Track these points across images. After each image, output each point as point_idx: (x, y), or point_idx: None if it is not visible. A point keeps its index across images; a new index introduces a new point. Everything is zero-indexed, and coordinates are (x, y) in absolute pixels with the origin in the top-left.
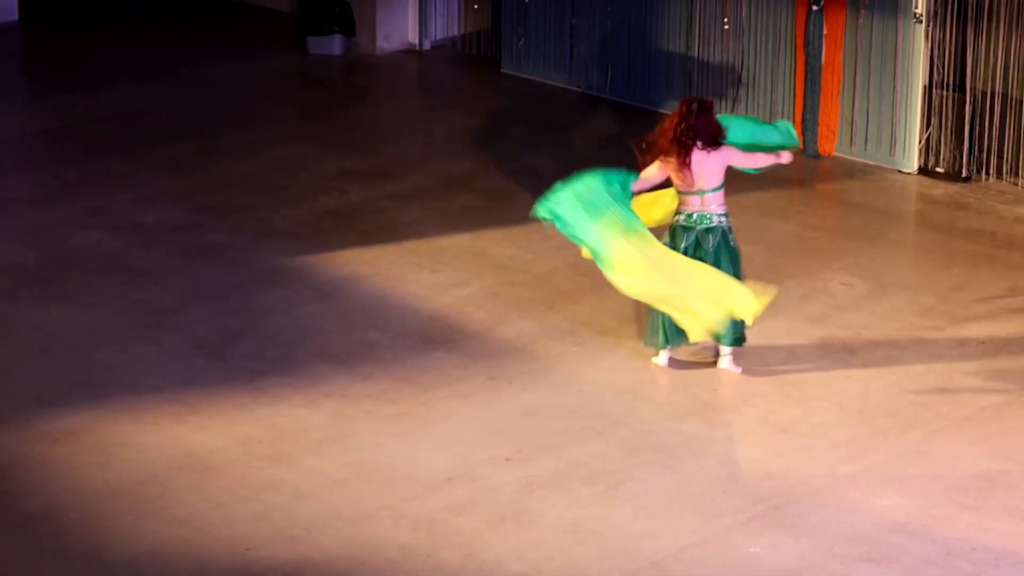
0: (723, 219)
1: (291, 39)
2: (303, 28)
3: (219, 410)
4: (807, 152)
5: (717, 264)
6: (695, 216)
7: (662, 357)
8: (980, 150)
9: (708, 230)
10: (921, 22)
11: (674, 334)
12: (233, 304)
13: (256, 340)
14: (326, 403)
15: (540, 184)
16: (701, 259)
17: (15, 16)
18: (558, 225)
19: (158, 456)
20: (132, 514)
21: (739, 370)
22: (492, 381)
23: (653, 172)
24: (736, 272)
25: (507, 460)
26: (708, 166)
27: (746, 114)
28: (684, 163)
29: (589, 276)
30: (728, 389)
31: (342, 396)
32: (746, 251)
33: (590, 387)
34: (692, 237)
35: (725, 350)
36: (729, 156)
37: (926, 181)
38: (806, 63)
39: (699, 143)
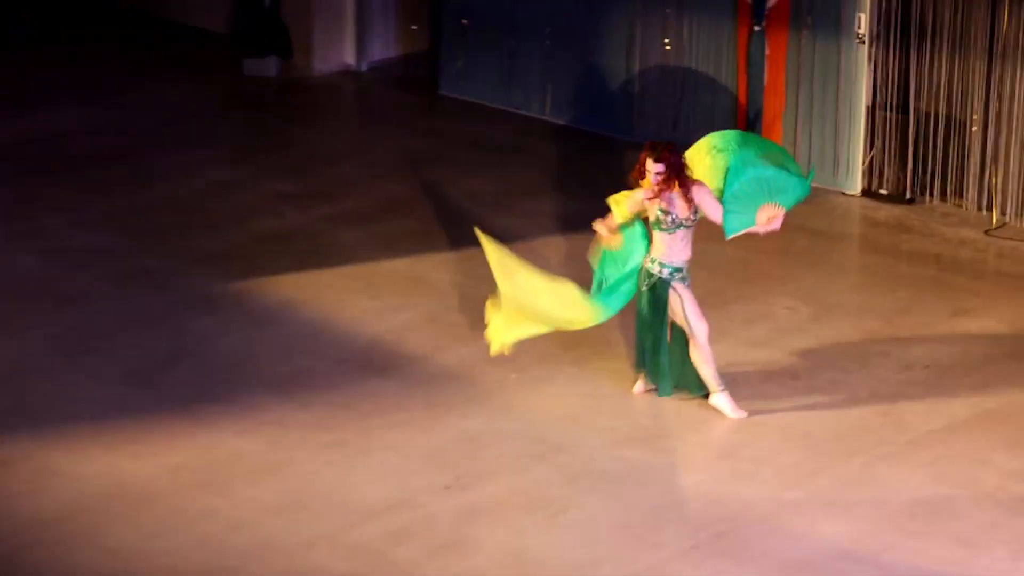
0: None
1: (227, 60)
2: (239, 49)
3: (153, 438)
4: None
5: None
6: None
7: (639, 385)
8: (924, 172)
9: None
10: (864, 42)
11: (670, 378)
12: (167, 330)
13: (190, 367)
14: (262, 431)
15: (479, 208)
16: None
17: None
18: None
19: (91, 485)
20: (65, 544)
21: (744, 414)
22: (431, 408)
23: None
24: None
25: (446, 488)
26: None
27: (688, 138)
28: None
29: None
30: (671, 415)
31: (278, 424)
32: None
33: (530, 414)
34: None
35: (716, 399)
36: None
37: (870, 203)
38: (748, 83)
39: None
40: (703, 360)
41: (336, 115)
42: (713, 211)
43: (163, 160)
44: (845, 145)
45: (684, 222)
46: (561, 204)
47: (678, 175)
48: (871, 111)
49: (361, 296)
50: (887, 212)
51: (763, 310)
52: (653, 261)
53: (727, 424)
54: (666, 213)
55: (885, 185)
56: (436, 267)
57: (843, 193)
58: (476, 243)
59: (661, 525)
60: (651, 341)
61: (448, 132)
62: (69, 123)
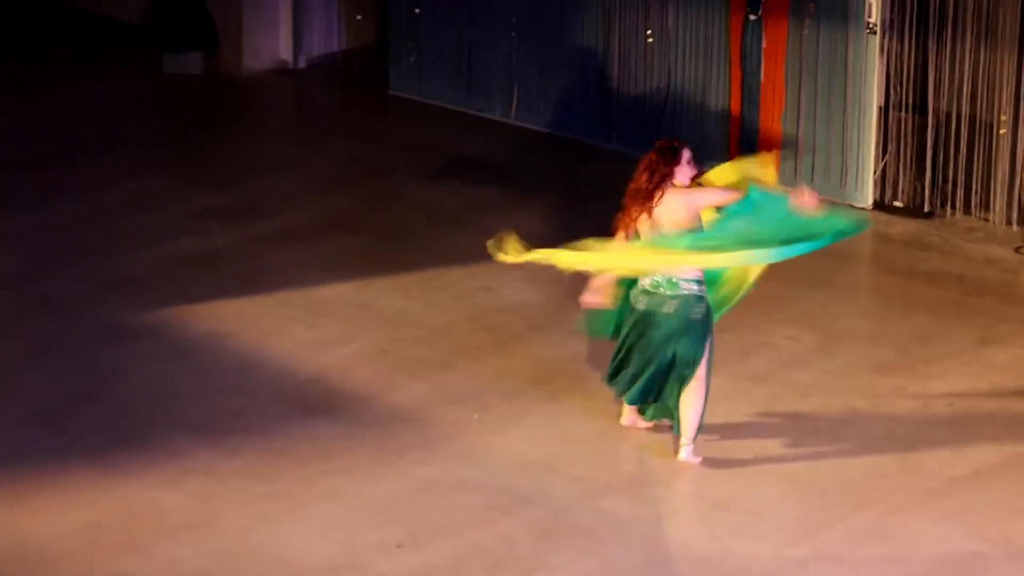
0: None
1: (145, 56)
2: (158, 43)
3: (60, 490)
4: None
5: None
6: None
7: (627, 417)
8: (944, 181)
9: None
10: (875, 33)
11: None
12: (78, 365)
13: (105, 407)
14: (186, 481)
15: (434, 224)
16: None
17: None
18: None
19: None
20: None
21: (699, 460)
22: (380, 453)
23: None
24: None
25: (398, 546)
26: None
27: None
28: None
29: (492, 331)
30: (656, 460)
31: (205, 473)
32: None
33: (495, 459)
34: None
35: (684, 440)
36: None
37: (882, 217)
38: (743, 81)
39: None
40: (697, 406)
41: (270, 118)
42: (717, 196)
43: (72, 170)
44: (854, 151)
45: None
46: (528, 221)
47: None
48: (884, 112)
49: (299, 326)
50: (903, 227)
51: (762, 339)
52: (684, 280)
53: (722, 471)
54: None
55: (900, 196)
56: (385, 292)
57: (852, 206)
58: (429, 265)
59: None
60: (655, 366)
61: (398, 137)
62: None
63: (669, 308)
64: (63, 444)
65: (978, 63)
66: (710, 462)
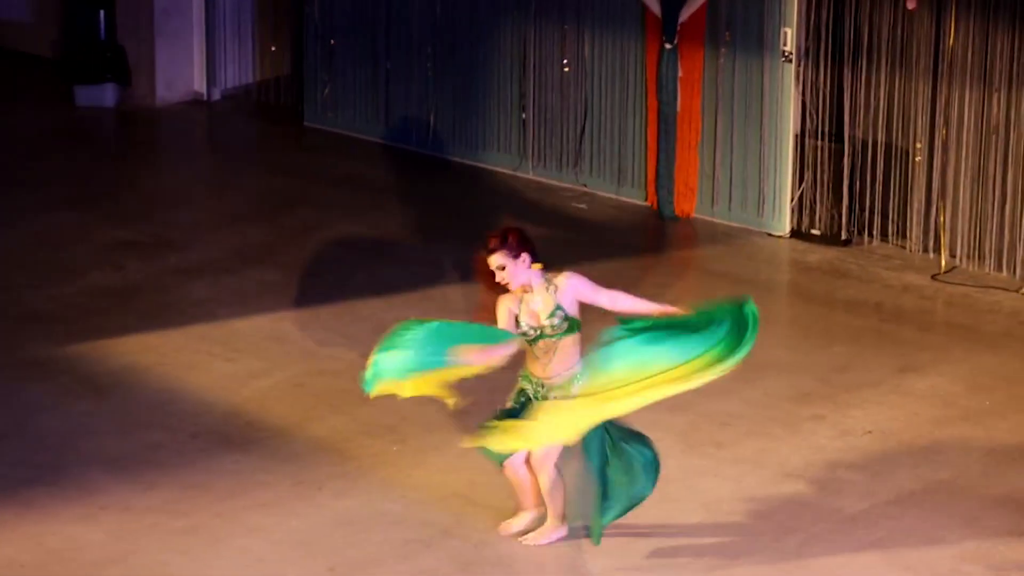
0: None
1: (54, 88)
2: (69, 76)
3: None
4: (663, 214)
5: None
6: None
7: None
8: (861, 209)
9: None
10: (791, 61)
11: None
12: None
13: (18, 444)
14: (103, 517)
15: (350, 255)
16: None
17: None
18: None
19: None
20: None
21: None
22: (300, 486)
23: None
24: None
25: None
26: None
27: (591, 173)
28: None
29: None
30: (575, 491)
31: (122, 508)
32: (593, 330)
33: (415, 492)
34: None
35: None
36: None
37: (800, 245)
38: (659, 110)
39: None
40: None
41: (184, 151)
42: (599, 297)
43: None
44: (771, 179)
45: (545, 331)
46: (446, 251)
47: (529, 252)
48: (800, 140)
49: (217, 359)
50: (820, 255)
51: None
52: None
53: (645, 501)
54: (525, 323)
55: (817, 225)
56: (302, 325)
57: (769, 234)
58: (347, 297)
59: None
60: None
61: (314, 169)
62: None
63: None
64: None
65: (893, 91)
66: None
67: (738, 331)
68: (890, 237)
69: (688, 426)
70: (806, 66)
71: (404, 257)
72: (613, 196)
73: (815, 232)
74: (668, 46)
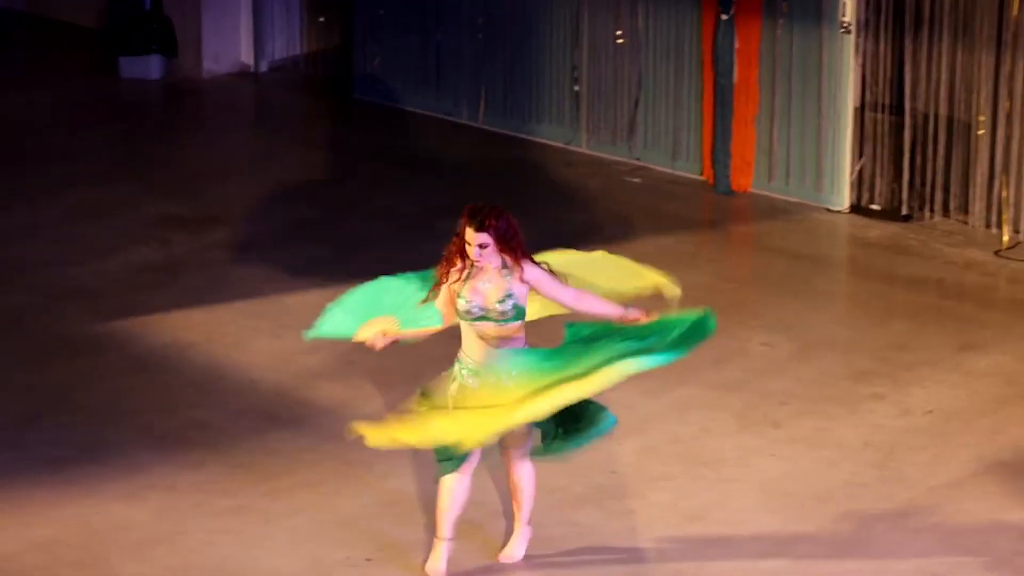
0: None
1: (99, 60)
2: (114, 47)
3: (16, 507)
4: (718, 188)
5: None
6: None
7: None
8: (922, 183)
9: None
10: (850, 32)
11: None
12: (33, 379)
13: (61, 422)
14: (149, 495)
15: (399, 231)
16: None
17: None
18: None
19: None
20: None
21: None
22: (348, 466)
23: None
24: None
25: (367, 560)
26: None
27: (646, 146)
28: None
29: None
30: (629, 470)
31: (168, 487)
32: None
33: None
34: None
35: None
36: None
37: (859, 221)
38: (715, 83)
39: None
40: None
41: (231, 124)
42: (560, 293)
43: (24, 179)
44: (829, 153)
45: (491, 314)
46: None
47: (508, 245)
48: (860, 113)
49: (262, 336)
50: (880, 231)
51: (736, 347)
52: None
53: (696, 482)
54: (467, 300)
55: (877, 199)
56: None
57: (828, 209)
58: (395, 273)
59: None
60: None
61: (363, 143)
62: None
63: None
64: (18, 460)
65: (955, 63)
66: (685, 473)
67: (681, 340)
68: (951, 212)
69: (744, 405)
70: (866, 37)
71: (452, 231)
72: (668, 170)
73: (875, 207)
74: (724, 17)
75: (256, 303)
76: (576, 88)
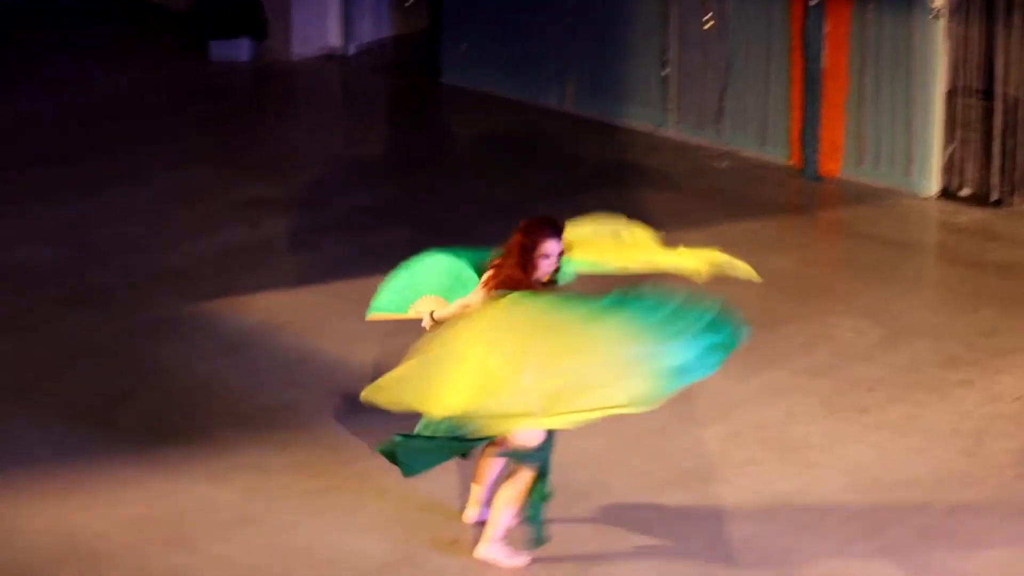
0: None
1: (190, 43)
2: (203, 30)
3: (106, 487)
4: (807, 173)
5: None
6: None
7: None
8: (1012, 169)
9: None
10: (941, 17)
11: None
12: (122, 360)
13: (150, 402)
14: (236, 477)
15: (486, 215)
16: None
17: None
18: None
19: (34, 543)
20: None
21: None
22: None
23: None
24: None
25: (454, 542)
26: None
27: (733, 131)
28: None
29: None
30: (716, 455)
31: (255, 468)
32: (734, 292)
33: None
34: None
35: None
36: None
37: (948, 206)
38: (804, 67)
39: None
40: (513, 500)
41: (319, 106)
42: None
43: (114, 161)
44: (919, 138)
45: None
46: (582, 211)
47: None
48: (950, 98)
49: (351, 318)
50: (969, 217)
51: (824, 332)
52: None
53: (784, 466)
54: None
55: (967, 185)
56: None
57: (917, 195)
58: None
59: None
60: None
61: (450, 126)
62: (2, 118)
63: None
64: (108, 440)
65: None
66: (771, 458)
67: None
68: None
69: (831, 391)
70: (956, 22)
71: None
72: (756, 155)
73: (964, 193)
74: (814, 1)
75: (344, 285)
76: (664, 72)
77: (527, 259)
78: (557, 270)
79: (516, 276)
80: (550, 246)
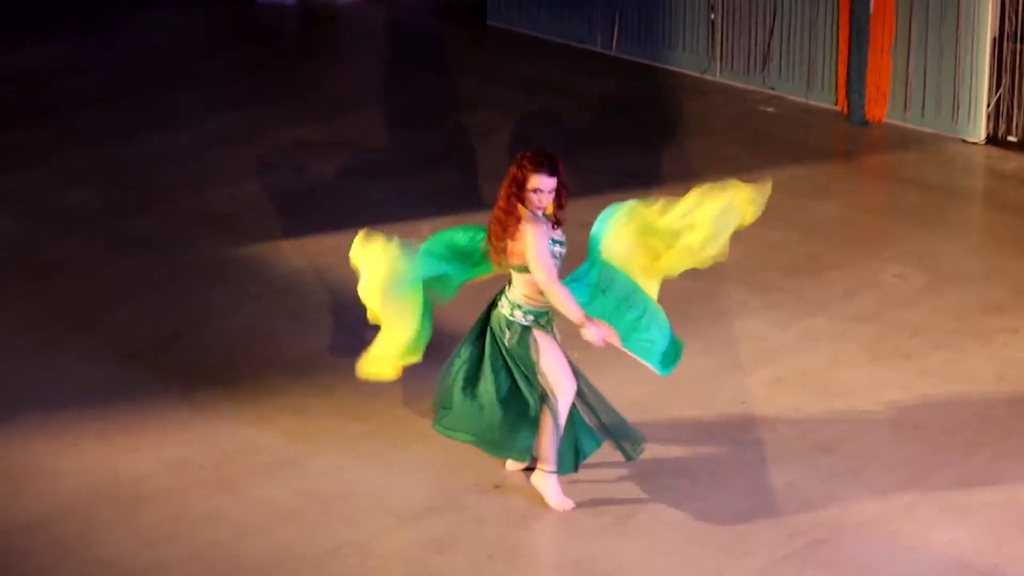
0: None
1: None
2: None
3: (150, 428)
4: (853, 118)
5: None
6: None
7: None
8: None
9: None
10: None
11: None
12: (166, 303)
13: (194, 345)
14: (279, 420)
15: None
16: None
17: None
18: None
19: (78, 484)
20: (47, 553)
21: (569, 505)
22: None
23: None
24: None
25: (496, 487)
26: None
27: (780, 76)
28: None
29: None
30: (759, 402)
31: (298, 411)
32: (779, 238)
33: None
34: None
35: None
36: None
37: (995, 152)
38: (851, 11)
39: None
40: (553, 430)
41: (365, 50)
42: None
43: (160, 104)
44: (966, 83)
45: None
46: (629, 157)
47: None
48: (997, 43)
49: None
50: (1016, 163)
51: (868, 278)
52: (516, 307)
53: (826, 413)
54: (560, 244)
55: (1014, 131)
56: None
57: (964, 140)
58: None
59: (747, 532)
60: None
61: (496, 70)
62: (47, 61)
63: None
64: (152, 382)
65: None
66: (814, 404)
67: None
68: None
69: (875, 336)
70: None
71: (584, 163)
72: (802, 100)
73: (1012, 139)
74: None
75: (389, 229)
76: (712, 17)
77: (519, 193)
78: (559, 207)
79: (503, 209)
80: (541, 180)
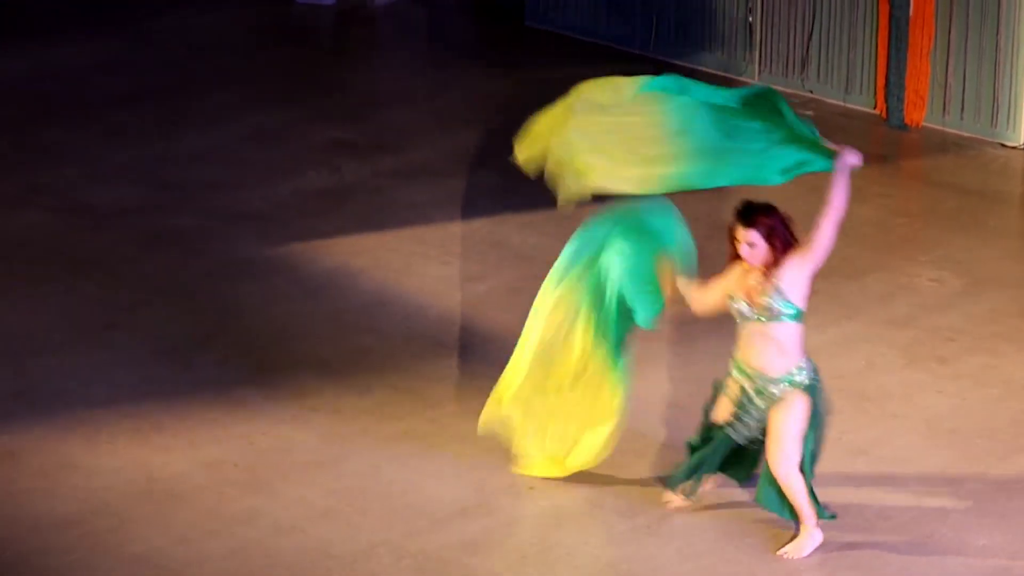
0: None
1: None
2: None
3: (185, 427)
4: (891, 122)
5: None
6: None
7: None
8: None
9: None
10: None
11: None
12: (201, 301)
13: (229, 344)
14: (313, 419)
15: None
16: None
17: None
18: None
19: (113, 482)
20: (81, 550)
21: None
22: None
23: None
24: None
25: (530, 488)
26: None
27: (818, 79)
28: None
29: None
30: None
31: (333, 411)
32: None
33: (631, 402)
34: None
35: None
36: None
37: None
38: (890, 15)
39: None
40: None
41: (402, 50)
42: (819, 250)
43: (196, 102)
44: (1006, 86)
45: (756, 312)
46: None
47: (783, 244)
48: None
49: (431, 263)
50: None
51: (904, 282)
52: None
53: (860, 417)
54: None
55: None
56: (519, 229)
57: (1002, 144)
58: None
59: (781, 534)
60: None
61: (534, 71)
62: (84, 58)
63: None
64: (187, 381)
65: None
66: (847, 409)
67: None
68: None
69: (910, 340)
70: None
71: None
72: (840, 103)
73: None
74: None
75: (425, 230)
76: (750, 19)
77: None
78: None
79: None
80: (738, 231)
